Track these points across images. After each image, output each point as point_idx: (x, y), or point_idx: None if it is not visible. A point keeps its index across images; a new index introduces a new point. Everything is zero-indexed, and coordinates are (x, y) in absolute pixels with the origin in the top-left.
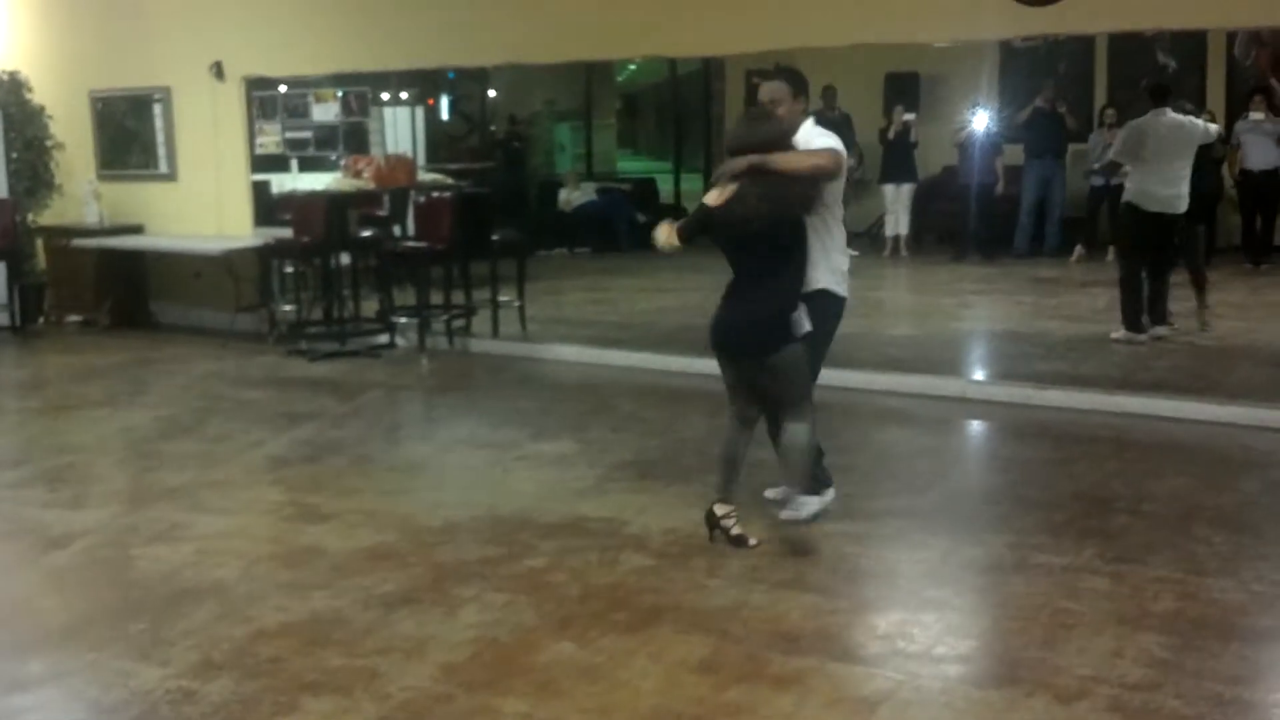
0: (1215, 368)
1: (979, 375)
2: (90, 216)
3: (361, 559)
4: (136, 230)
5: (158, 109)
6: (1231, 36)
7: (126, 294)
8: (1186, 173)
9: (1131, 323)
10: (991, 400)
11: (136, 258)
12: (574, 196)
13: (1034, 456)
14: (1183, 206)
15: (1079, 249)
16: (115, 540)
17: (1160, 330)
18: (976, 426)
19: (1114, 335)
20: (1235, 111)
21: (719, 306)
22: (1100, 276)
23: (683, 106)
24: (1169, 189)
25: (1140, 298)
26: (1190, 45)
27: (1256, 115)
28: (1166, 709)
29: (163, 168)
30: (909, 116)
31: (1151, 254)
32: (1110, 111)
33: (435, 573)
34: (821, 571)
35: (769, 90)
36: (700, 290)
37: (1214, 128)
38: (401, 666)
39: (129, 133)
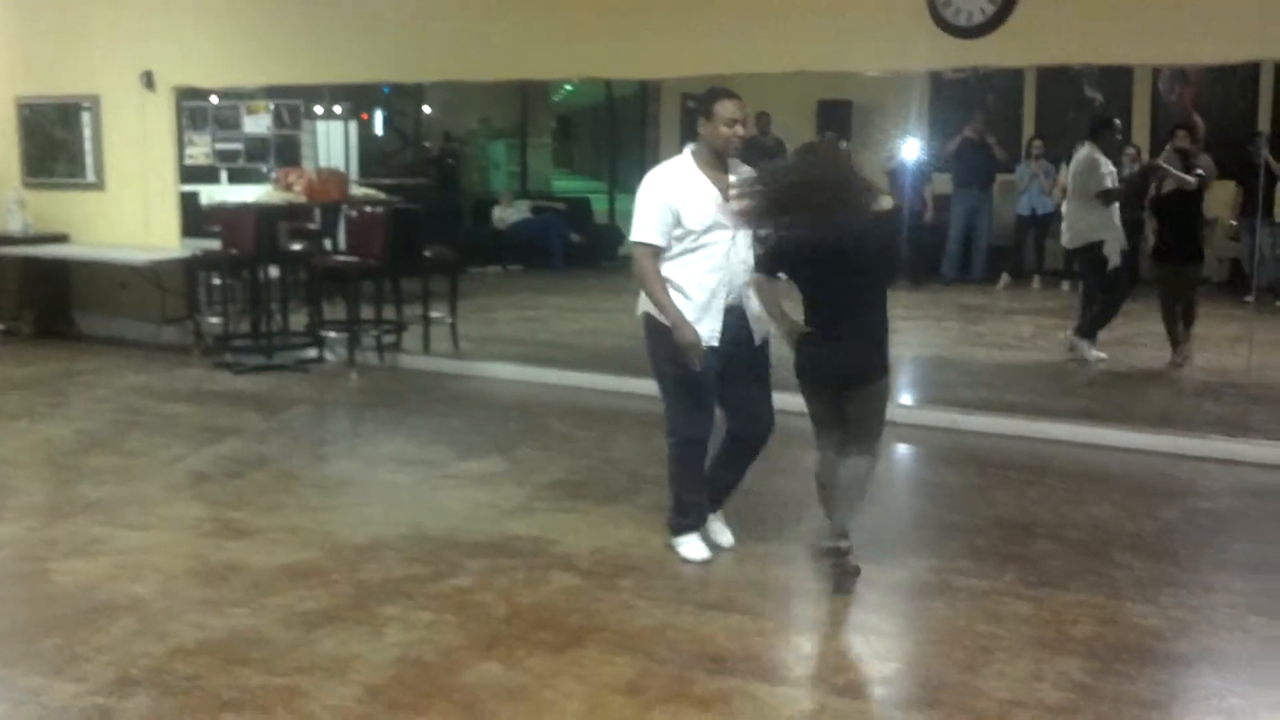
0: (1136, 396)
1: (906, 400)
2: (14, 224)
3: (283, 576)
4: (62, 239)
5: (86, 117)
6: (1157, 73)
7: (50, 304)
8: (1075, 206)
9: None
10: (917, 424)
11: (61, 267)
12: (508, 214)
13: (958, 482)
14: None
15: (1005, 277)
16: (31, 554)
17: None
18: (902, 450)
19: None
20: (1159, 145)
21: (819, 344)
22: (1025, 305)
23: (619, 128)
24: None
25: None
26: (1117, 80)
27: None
28: None
29: (90, 177)
30: (841, 145)
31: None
32: (1038, 143)
33: (359, 591)
34: (748, 593)
35: (739, 107)
36: (630, 312)
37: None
38: (323, 686)
39: (56, 141)
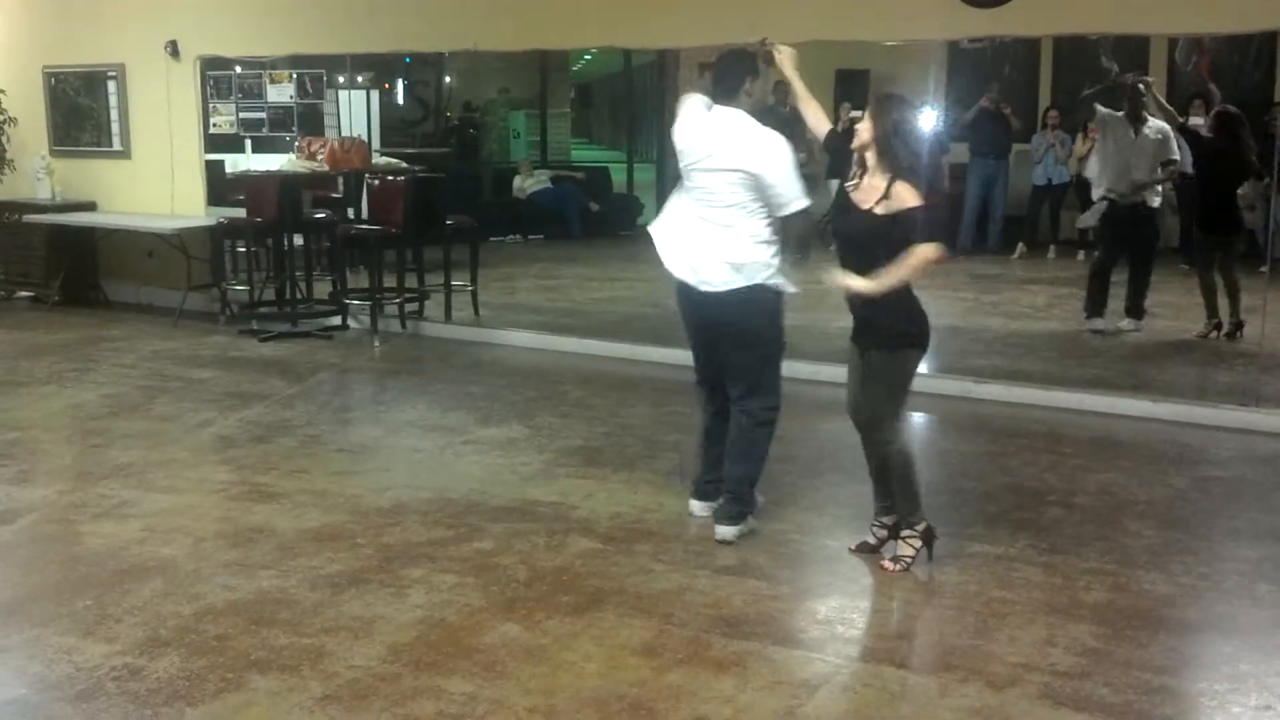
0: (1149, 365)
1: (921, 368)
2: (42, 192)
3: (309, 539)
4: (89, 207)
5: (112, 86)
6: (1173, 42)
7: (77, 271)
8: None
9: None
10: (932, 393)
11: (88, 235)
12: (528, 184)
13: (971, 449)
14: None
15: (1020, 247)
16: (61, 517)
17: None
18: (917, 419)
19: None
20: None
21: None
22: (1040, 274)
23: (637, 98)
24: None
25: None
26: (1133, 50)
27: (1196, 120)
28: (1096, 696)
29: (116, 145)
30: (856, 114)
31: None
32: (1053, 113)
33: (383, 554)
34: (764, 558)
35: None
36: (648, 281)
37: None
38: (348, 646)
39: (83, 110)
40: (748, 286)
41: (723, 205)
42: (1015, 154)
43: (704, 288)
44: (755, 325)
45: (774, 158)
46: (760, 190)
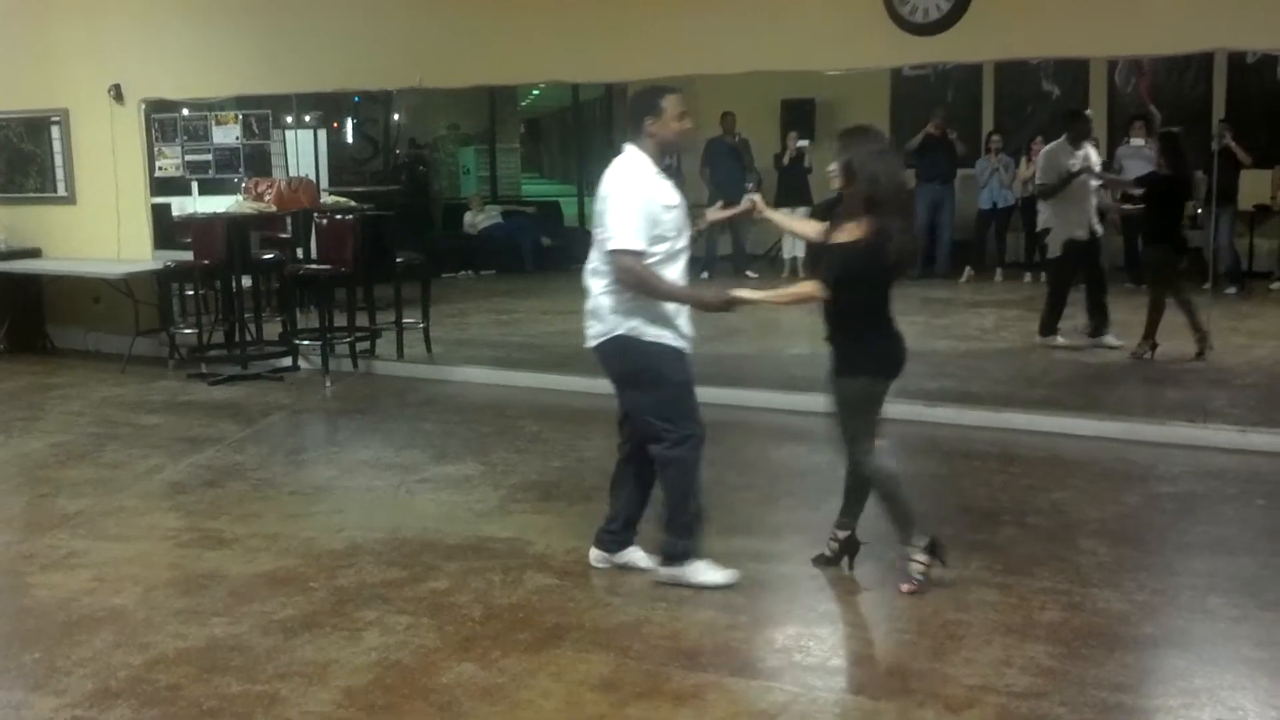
0: (1097, 384)
1: None
2: None
3: (262, 584)
4: (34, 254)
5: (55, 131)
6: (1113, 65)
7: (23, 318)
8: None
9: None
10: (884, 417)
11: (33, 281)
12: (479, 219)
13: (923, 472)
14: None
15: (968, 270)
16: (9, 568)
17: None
18: None
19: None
20: (1116, 137)
21: (896, 339)
22: (989, 297)
23: (586, 131)
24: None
25: None
26: (1073, 73)
27: (1137, 141)
28: (1053, 716)
29: (61, 190)
30: (803, 143)
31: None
32: (997, 137)
33: (337, 596)
34: (721, 589)
35: (683, 100)
36: None
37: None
38: (303, 692)
39: (26, 155)
40: (610, 338)
41: (597, 252)
42: (961, 179)
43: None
44: (629, 373)
45: (609, 192)
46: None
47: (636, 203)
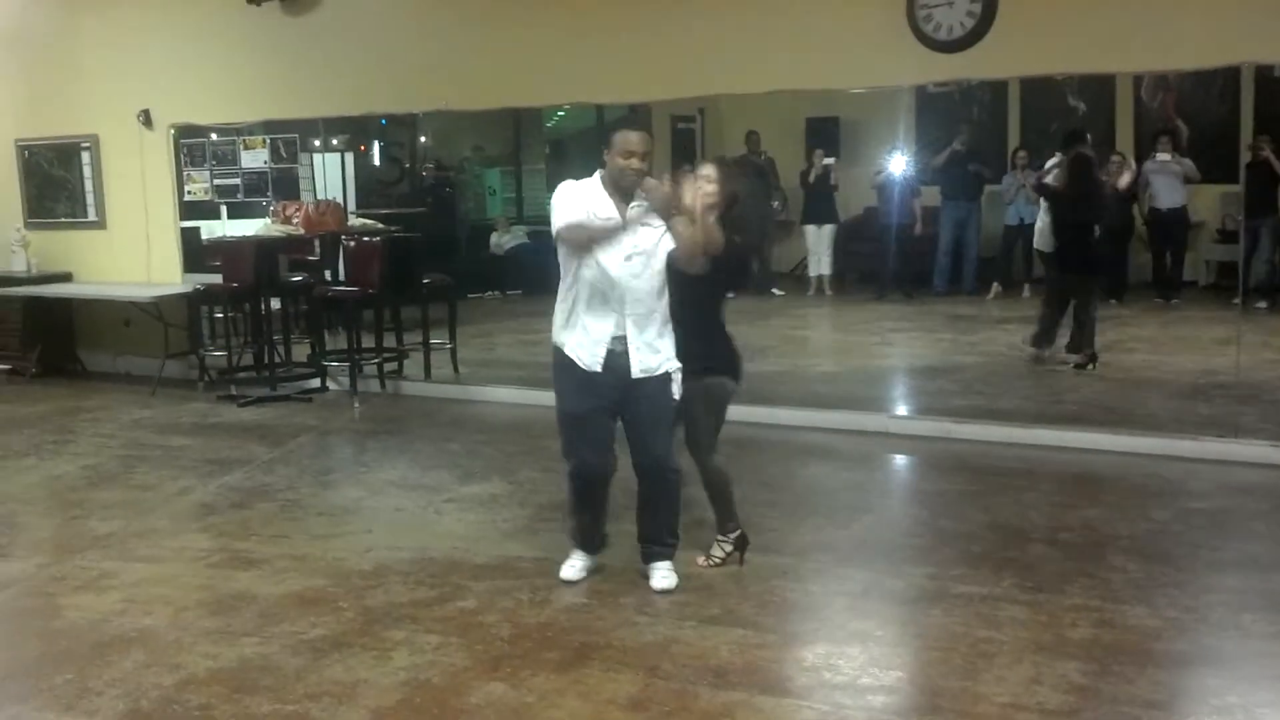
0: (1127, 400)
1: (900, 410)
2: (18, 265)
3: (291, 604)
4: (65, 278)
5: (85, 157)
6: (1138, 80)
7: (54, 342)
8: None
9: None
10: (912, 435)
11: (64, 306)
12: (505, 240)
13: (952, 489)
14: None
15: (995, 287)
16: (41, 590)
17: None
18: (898, 461)
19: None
20: (1143, 152)
21: (732, 340)
22: (1015, 313)
23: None
24: None
25: None
26: (1099, 89)
27: (1163, 156)
28: None
29: (91, 215)
30: (829, 160)
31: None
32: (1022, 153)
33: (366, 616)
34: (749, 606)
35: (642, 141)
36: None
37: None
38: (332, 712)
39: (57, 181)
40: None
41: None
42: (987, 195)
43: None
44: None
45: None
46: None
47: (567, 198)
